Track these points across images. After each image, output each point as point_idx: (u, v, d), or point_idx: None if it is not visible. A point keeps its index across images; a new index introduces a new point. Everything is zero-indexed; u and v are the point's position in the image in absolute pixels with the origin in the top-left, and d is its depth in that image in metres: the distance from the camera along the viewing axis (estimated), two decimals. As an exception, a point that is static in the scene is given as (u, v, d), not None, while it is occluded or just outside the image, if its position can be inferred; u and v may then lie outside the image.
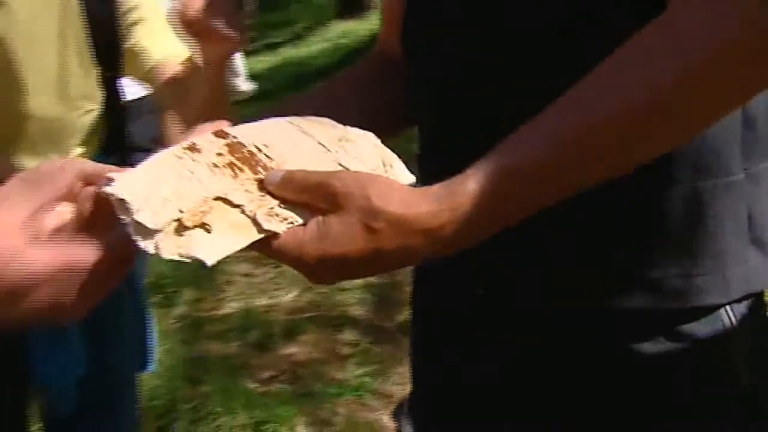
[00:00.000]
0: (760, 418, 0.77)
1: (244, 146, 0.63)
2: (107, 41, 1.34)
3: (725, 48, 0.59)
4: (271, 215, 0.60)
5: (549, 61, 0.71)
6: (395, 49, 0.89)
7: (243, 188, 0.60)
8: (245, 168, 0.61)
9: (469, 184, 0.61)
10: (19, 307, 0.56)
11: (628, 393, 0.76)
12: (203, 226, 0.57)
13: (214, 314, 3.10)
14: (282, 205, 0.61)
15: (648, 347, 0.75)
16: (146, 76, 1.37)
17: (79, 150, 1.38)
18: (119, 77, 1.41)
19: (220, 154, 0.62)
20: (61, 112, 1.34)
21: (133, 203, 0.56)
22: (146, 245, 0.56)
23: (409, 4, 0.86)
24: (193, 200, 0.58)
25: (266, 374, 2.66)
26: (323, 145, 0.66)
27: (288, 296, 3.14)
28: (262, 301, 3.14)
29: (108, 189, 0.57)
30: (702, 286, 0.74)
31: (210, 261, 0.56)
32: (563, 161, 0.61)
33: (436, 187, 0.62)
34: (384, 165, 0.66)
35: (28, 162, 1.31)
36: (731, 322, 0.75)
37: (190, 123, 1.01)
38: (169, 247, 0.56)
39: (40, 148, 1.35)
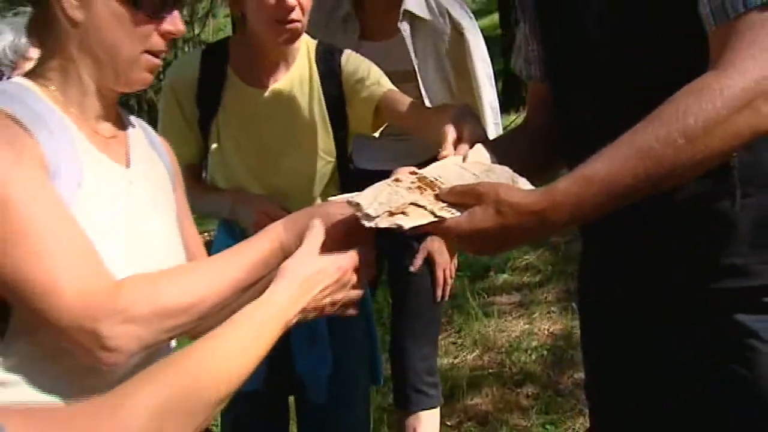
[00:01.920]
0: None
1: (427, 178, 1.07)
2: (338, 109, 1.79)
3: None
4: (442, 210, 1.00)
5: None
6: (538, 120, 1.31)
7: (426, 199, 1.02)
8: (428, 189, 1.05)
9: (560, 184, 0.96)
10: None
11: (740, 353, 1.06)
12: (403, 213, 0.99)
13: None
14: (448, 206, 1.01)
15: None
16: (373, 119, 1.76)
17: (322, 191, 1.80)
18: (348, 136, 1.84)
19: (413, 182, 1.06)
20: (312, 164, 1.79)
21: (364, 205, 1.00)
22: (368, 224, 0.99)
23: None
24: (396, 204, 1.00)
25: (455, 419, 2.94)
26: (475, 174, 1.09)
27: (470, 356, 3.42)
28: (446, 360, 3.44)
29: (350, 198, 1.03)
30: None
31: (406, 226, 0.98)
32: (620, 176, 0.93)
33: (542, 188, 0.99)
34: (513, 181, 1.07)
35: (290, 204, 1.71)
36: None
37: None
38: (382, 223, 0.98)
39: (296, 193, 1.79)
